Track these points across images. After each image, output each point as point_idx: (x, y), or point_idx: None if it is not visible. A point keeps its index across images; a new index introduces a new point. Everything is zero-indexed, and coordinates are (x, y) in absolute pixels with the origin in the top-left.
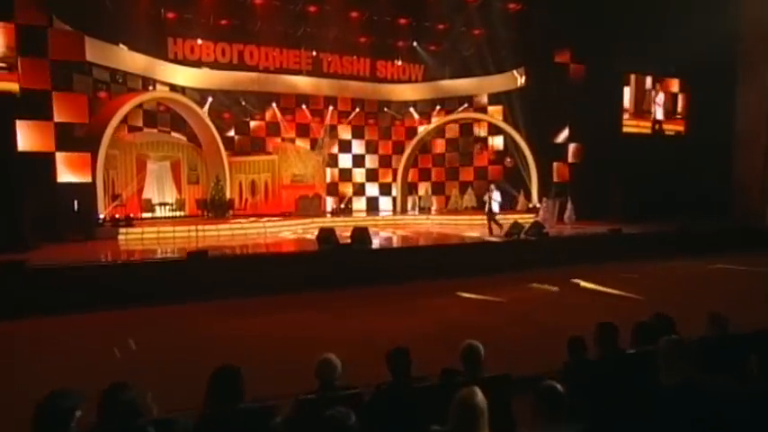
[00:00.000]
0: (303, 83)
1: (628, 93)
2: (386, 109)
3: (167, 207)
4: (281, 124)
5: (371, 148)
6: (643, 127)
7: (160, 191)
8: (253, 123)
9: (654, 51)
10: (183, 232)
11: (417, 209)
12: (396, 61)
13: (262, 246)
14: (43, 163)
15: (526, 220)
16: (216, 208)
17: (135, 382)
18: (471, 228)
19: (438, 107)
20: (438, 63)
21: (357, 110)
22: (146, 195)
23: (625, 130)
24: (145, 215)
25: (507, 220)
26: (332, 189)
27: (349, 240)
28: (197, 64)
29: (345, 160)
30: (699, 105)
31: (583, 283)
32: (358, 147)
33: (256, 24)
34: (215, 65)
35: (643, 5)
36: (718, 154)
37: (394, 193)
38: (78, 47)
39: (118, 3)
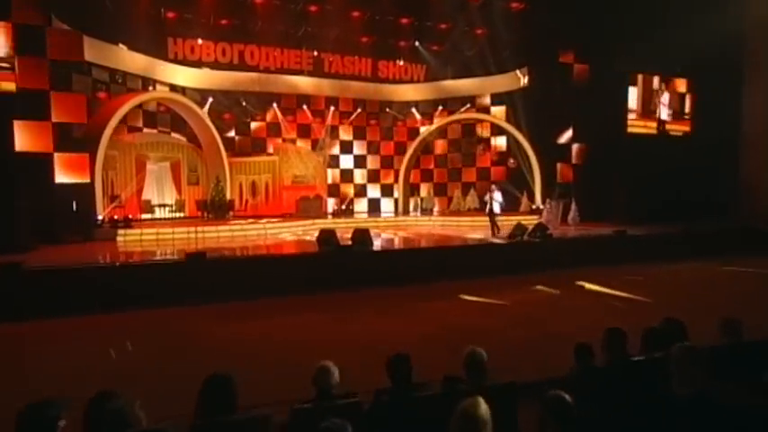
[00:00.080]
0: (304, 83)
1: (635, 93)
2: (387, 109)
3: (167, 208)
4: (281, 125)
5: (373, 148)
6: (650, 127)
7: (160, 192)
8: (253, 124)
9: (658, 51)
10: (182, 234)
11: (419, 210)
12: (397, 61)
13: (262, 247)
14: (41, 163)
15: (530, 221)
16: (216, 209)
17: (131, 386)
18: (474, 229)
19: (440, 107)
20: (440, 63)
21: (358, 110)
22: (145, 196)
23: (631, 130)
24: (144, 216)
25: (510, 221)
26: (333, 190)
27: (350, 242)
28: (197, 64)
29: (347, 161)
30: (705, 106)
31: (587, 286)
32: (359, 147)
33: (257, 24)
34: (215, 65)
35: (647, 5)
36: (724, 155)
37: (396, 194)
38: (77, 46)
39: (117, 2)
